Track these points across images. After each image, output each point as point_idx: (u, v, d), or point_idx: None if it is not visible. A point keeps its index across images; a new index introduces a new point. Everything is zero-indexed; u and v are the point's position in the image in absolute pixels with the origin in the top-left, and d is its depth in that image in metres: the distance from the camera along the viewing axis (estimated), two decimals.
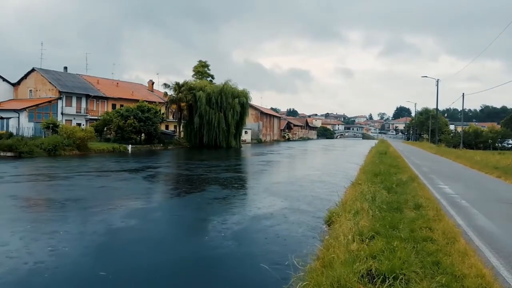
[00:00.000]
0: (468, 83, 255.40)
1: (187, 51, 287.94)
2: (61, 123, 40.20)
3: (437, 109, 65.90)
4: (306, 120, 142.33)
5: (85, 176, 19.81)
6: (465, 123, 79.52)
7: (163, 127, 52.86)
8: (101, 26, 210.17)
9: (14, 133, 36.56)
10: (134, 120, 41.80)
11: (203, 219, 10.79)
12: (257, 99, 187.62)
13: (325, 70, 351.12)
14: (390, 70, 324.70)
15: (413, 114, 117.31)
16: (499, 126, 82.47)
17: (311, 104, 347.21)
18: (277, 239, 8.76)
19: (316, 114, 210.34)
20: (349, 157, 40.01)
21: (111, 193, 15.20)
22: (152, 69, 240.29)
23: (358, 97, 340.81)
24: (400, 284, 4.63)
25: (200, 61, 69.99)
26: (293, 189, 16.31)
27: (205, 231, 9.51)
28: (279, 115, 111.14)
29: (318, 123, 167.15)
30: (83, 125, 45.88)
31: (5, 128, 40.43)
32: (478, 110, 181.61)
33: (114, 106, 51.77)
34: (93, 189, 16.04)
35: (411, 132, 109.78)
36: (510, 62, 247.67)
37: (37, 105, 44.34)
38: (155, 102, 54.05)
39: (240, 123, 54.26)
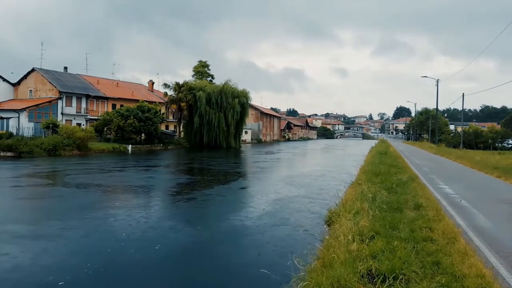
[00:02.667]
0: (463, 83, 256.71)
1: (180, 51, 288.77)
2: (61, 123, 40.22)
3: (437, 109, 65.91)
4: (306, 120, 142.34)
5: (128, 170, 23.49)
6: (465, 123, 79.47)
7: (163, 127, 52.88)
8: (92, 27, 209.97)
9: (14, 133, 36.56)
10: (134, 120, 41.80)
11: (240, 201, 13.89)
12: (257, 99, 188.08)
13: (320, 69, 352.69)
14: (385, 70, 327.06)
15: (413, 114, 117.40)
16: (499, 126, 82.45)
17: (309, 104, 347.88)
18: (298, 213, 11.42)
19: (316, 114, 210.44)
20: (350, 156, 40.45)
21: (165, 182, 18.50)
22: (146, 69, 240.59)
23: (354, 96, 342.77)
24: (400, 284, 4.64)
25: (200, 61, 70.02)
26: (304, 181, 18.75)
27: (243, 208, 12.25)
28: (279, 115, 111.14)
29: (318, 123, 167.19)
30: (83, 125, 45.89)
31: (5, 128, 40.44)
32: (478, 110, 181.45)
33: (114, 106, 51.78)
34: (150, 179, 19.28)
35: (411, 132, 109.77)
36: (503, 61, 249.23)
37: (37, 105, 44.35)
38: (155, 102, 54.04)
39: (240, 123, 54.25)
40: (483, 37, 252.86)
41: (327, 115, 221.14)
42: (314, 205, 12.54)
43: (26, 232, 8.95)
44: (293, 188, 16.33)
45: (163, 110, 52.70)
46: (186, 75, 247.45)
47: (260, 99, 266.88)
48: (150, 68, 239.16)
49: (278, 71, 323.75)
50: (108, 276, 6.47)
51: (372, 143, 73.25)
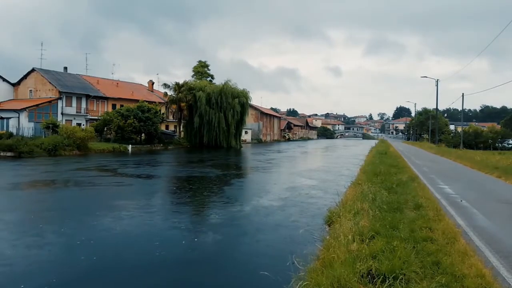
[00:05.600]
0: (458, 83, 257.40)
1: (171, 50, 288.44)
2: (61, 123, 40.22)
3: (437, 109, 65.91)
4: (306, 120, 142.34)
5: (163, 165, 27.49)
6: (465, 123, 79.46)
7: (163, 127, 52.88)
8: (80, 26, 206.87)
9: (14, 133, 36.57)
10: (134, 120, 41.80)
11: (267, 187, 16.92)
12: (257, 99, 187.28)
13: (314, 70, 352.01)
14: (379, 70, 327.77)
15: (413, 114, 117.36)
16: (499, 126, 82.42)
17: (306, 104, 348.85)
18: (315, 197, 14.27)
19: (316, 114, 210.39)
20: (351, 155, 41.06)
21: (207, 174, 21.22)
22: (139, 68, 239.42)
23: (351, 96, 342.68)
24: (400, 284, 4.64)
25: (199, 61, 70.05)
26: (314, 174, 21.90)
27: (270, 191, 15.47)
28: (279, 115, 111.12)
29: (318, 123, 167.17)
30: (83, 125, 45.88)
31: (5, 128, 40.44)
32: (478, 110, 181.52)
33: (114, 106, 51.78)
34: (191, 171, 22.80)
35: (411, 132, 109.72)
36: (496, 60, 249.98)
37: (37, 105, 44.34)
38: (155, 102, 54.04)
39: (240, 123, 54.25)
40: (474, 36, 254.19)
41: (327, 115, 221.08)
42: (321, 192, 15.37)
43: (135, 206, 12.14)
44: (305, 179, 19.60)
45: (163, 110, 52.69)
46: (179, 75, 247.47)
47: (260, 99, 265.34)
48: (143, 67, 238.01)
49: (271, 70, 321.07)
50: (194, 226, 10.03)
51: (372, 143, 73.30)
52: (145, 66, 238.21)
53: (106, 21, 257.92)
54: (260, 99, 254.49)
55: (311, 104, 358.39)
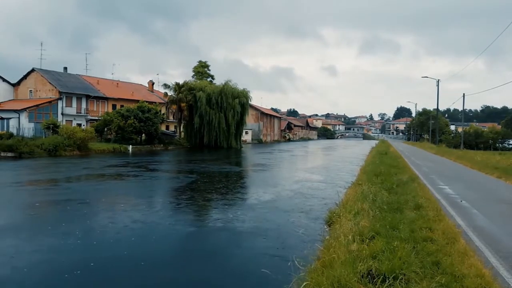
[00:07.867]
0: (454, 83, 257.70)
1: (166, 51, 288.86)
2: (61, 124, 40.23)
3: (437, 109, 65.88)
4: (307, 121, 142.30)
5: (186, 164, 29.24)
6: (465, 123, 79.37)
7: (163, 128, 52.89)
8: (71, 26, 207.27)
9: (15, 134, 36.58)
10: (135, 120, 41.81)
11: (277, 181, 19.57)
12: (257, 99, 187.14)
13: (311, 70, 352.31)
14: (377, 70, 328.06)
15: (413, 115, 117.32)
16: (500, 126, 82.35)
17: (304, 104, 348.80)
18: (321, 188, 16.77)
19: (316, 115, 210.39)
20: (352, 155, 41.30)
21: (228, 170, 24.43)
22: (134, 68, 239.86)
23: (349, 96, 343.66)
24: (400, 284, 4.64)
25: (200, 62, 70.09)
26: (319, 171, 24.76)
27: (280, 185, 17.90)
28: (280, 115, 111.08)
29: (318, 124, 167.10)
30: (84, 125, 45.91)
31: (5, 129, 40.44)
32: (478, 111, 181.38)
33: (114, 106, 51.79)
34: (210, 167, 24.99)
35: (412, 132, 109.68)
36: (492, 60, 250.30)
37: (37, 105, 44.36)
38: (155, 102, 54.06)
39: (240, 123, 54.26)
40: (469, 36, 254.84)
41: (327, 116, 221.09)
42: (326, 184, 17.97)
43: (189, 190, 15.73)
44: (312, 175, 22.41)
45: (163, 110, 52.72)
46: (175, 75, 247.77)
47: (260, 100, 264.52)
48: (138, 67, 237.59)
49: (267, 70, 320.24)
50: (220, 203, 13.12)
51: (373, 143, 73.35)
52: (140, 66, 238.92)
53: (96, 20, 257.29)
54: (260, 99, 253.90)
55: (310, 104, 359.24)
